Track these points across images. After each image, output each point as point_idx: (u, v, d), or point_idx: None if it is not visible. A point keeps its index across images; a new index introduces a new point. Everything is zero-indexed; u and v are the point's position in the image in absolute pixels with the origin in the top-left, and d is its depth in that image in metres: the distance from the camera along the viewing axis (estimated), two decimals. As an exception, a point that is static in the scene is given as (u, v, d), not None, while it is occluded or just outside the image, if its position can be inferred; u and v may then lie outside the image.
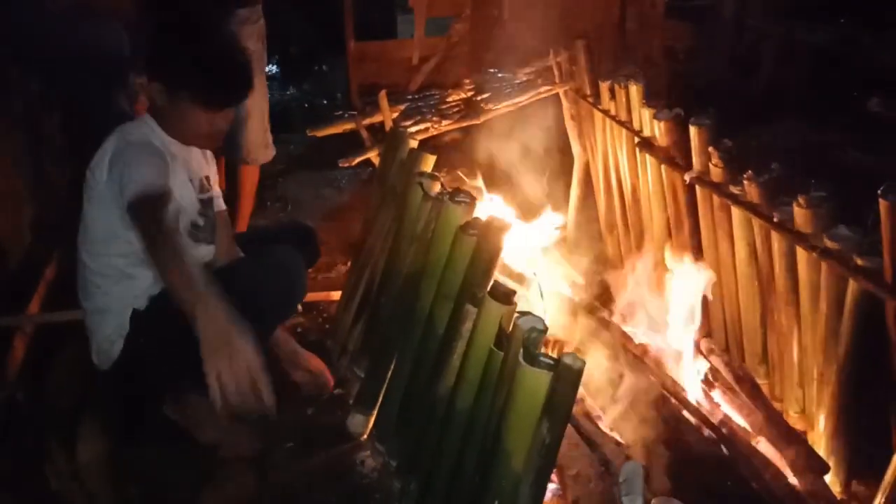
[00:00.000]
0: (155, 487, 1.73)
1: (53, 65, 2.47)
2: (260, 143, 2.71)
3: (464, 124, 2.82)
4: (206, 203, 1.88)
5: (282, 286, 1.80)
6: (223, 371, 1.39)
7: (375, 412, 1.87)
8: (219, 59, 1.71)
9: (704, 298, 2.25)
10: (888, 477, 1.71)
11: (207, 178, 1.91)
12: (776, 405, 2.09)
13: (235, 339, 1.40)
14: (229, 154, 2.74)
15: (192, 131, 1.75)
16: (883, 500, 1.71)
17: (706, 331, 2.35)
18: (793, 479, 1.82)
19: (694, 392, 2.11)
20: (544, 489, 1.27)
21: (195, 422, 1.84)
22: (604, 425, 1.90)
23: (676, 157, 2.29)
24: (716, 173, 2.12)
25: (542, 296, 2.25)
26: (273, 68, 6.01)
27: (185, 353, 1.68)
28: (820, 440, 1.96)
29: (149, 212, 1.57)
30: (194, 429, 1.83)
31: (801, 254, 1.87)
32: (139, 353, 1.70)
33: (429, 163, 2.04)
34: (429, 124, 2.76)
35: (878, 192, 1.63)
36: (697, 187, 2.23)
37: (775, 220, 1.93)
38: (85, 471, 1.73)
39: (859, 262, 1.71)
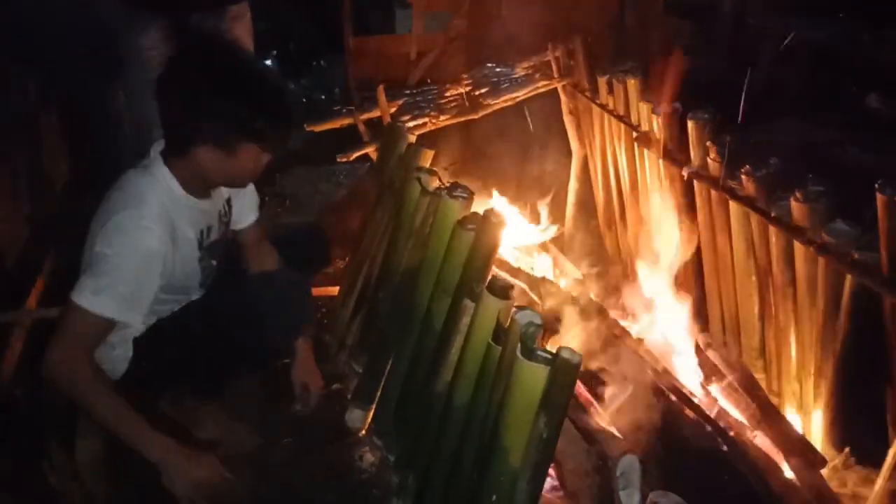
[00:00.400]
0: (154, 486, 1.73)
1: (53, 63, 2.46)
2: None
3: (462, 119, 2.82)
4: (216, 245, 1.80)
5: (286, 316, 1.78)
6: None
7: (373, 407, 1.87)
8: (269, 92, 1.58)
9: (702, 291, 2.26)
10: (884, 470, 1.72)
11: (228, 200, 1.83)
12: (773, 399, 2.10)
13: (194, 468, 1.56)
14: None
15: (240, 175, 1.64)
16: (879, 492, 1.72)
17: (704, 325, 2.35)
18: (789, 473, 1.83)
19: (691, 386, 2.12)
20: (542, 483, 1.27)
21: (195, 420, 1.84)
22: (601, 420, 1.91)
23: (675, 152, 2.29)
24: (714, 168, 2.12)
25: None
26: (271, 63, 6.00)
27: (186, 367, 1.72)
28: (817, 433, 1.96)
29: (72, 325, 1.52)
30: (194, 427, 1.82)
31: (799, 248, 1.88)
32: (143, 372, 1.70)
33: (427, 158, 2.04)
34: (427, 119, 2.76)
35: (876, 186, 1.63)
36: (695, 182, 2.23)
37: (773, 214, 1.93)
38: (84, 469, 1.73)
39: (857, 256, 1.71)
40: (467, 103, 2.82)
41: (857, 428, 1.89)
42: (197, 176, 1.62)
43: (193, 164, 1.58)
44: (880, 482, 1.73)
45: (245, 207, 1.90)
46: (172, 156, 1.61)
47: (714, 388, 2.12)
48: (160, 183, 1.60)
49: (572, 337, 2.12)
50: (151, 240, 1.56)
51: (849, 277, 1.75)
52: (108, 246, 1.53)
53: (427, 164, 2.00)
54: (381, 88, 2.91)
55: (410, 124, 2.66)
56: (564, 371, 1.20)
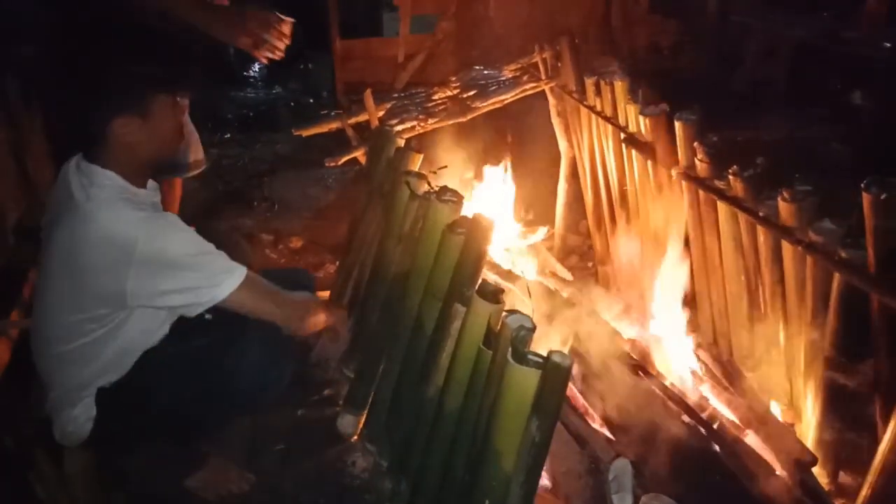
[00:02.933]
0: (142, 493, 1.72)
1: (33, 64, 2.43)
2: (199, 147, 2.55)
3: (450, 122, 2.81)
4: None
5: (267, 361, 1.71)
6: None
7: (365, 412, 1.87)
8: (148, 36, 1.57)
9: (691, 291, 2.26)
10: (874, 467, 1.72)
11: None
12: (764, 398, 2.11)
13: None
14: (172, 172, 2.37)
15: (169, 137, 1.60)
16: (869, 490, 1.73)
17: (694, 325, 2.36)
18: (781, 472, 1.84)
19: (683, 386, 2.12)
20: (535, 487, 1.27)
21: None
22: (593, 422, 1.91)
23: (662, 153, 2.29)
24: (701, 168, 2.13)
25: (529, 294, 2.25)
26: (259, 67, 5.98)
27: (158, 422, 1.65)
28: (807, 432, 1.97)
29: (253, 302, 1.61)
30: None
31: (787, 247, 1.89)
32: (112, 431, 1.64)
33: (416, 161, 2.03)
34: (415, 123, 2.75)
35: (862, 185, 1.64)
36: (683, 182, 2.24)
37: (760, 214, 1.94)
38: (70, 478, 1.71)
39: (844, 255, 1.72)
40: (455, 106, 2.82)
41: (848, 425, 1.90)
42: (131, 159, 1.55)
43: (120, 147, 1.52)
44: (870, 479, 1.74)
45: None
46: (95, 150, 1.53)
47: (705, 388, 2.13)
48: (119, 189, 1.53)
49: (563, 339, 2.12)
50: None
51: (836, 276, 1.76)
52: (146, 276, 1.49)
53: (416, 168, 2.00)
54: (368, 92, 2.90)
55: (399, 128, 2.65)
56: (556, 375, 1.20)
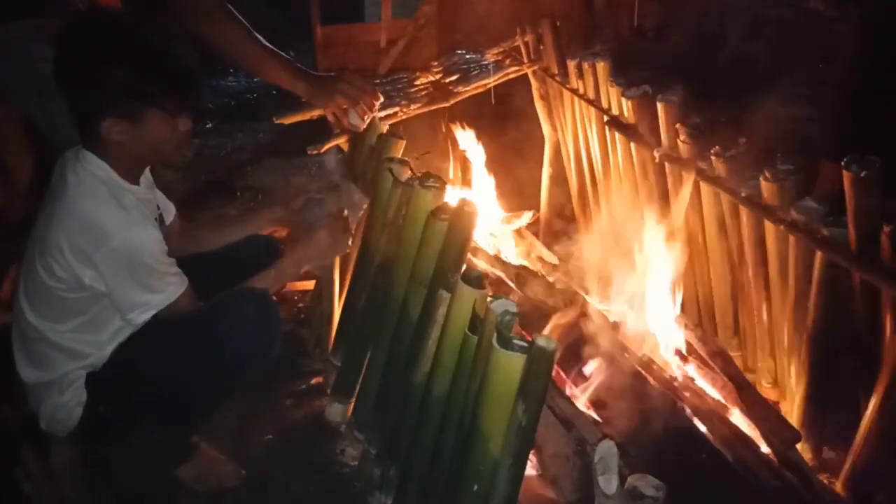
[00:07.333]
0: (131, 486, 1.71)
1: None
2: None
3: (433, 107, 2.79)
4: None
5: (256, 336, 1.68)
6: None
7: (353, 400, 1.87)
8: (154, 53, 1.54)
9: (676, 272, 2.27)
10: (857, 443, 1.75)
11: (158, 205, 1.79)
12: (749, 376, 2.13)
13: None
14: None
15: (165, 147, 1.61)
16: (852, 465, 1.76)
17: (679, 305, 2.37)
18: (766, 449, 1.86)
19: (668, 366, 2.14)
20: (522, 470, 1.27)
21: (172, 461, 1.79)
22: (579, 404, 1.92)
23: (645, 135, 2.30)
24: (684, 150, 2.13)
25: (514, 280, 2.25)
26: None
27: (151, 401, 1.63)
28: (792, 409, 2.00)
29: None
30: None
31: (769, 227, 1.90)
32: (103, 415, 1.63)
33: (398, 148, 2.02)
34: (397, 108, 2.73)
35: (842, 163, 1.65)
36: (666, 164, 2.24)
37: (743, 194, 1.95)
38: (58, 473, 1.70)
39: (826, 233, 1.73)
40: (438, 91, 2.80)
41: (831, 402, 1.92)
42: (122, 156, 1.58)
43: (111, 144, 1.55)
44: (853, 455, 1.77)
45: (168, 203, 1.86)
46: (90, 141, 1.57)
47: (690, 368, 2.14)
48: (104, 178, 1.56)
49: (549, 322, 2.13)
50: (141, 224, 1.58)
51: (818, 254, 1.77)
52: (109, 274, 1.54)
53: (398, 154, 1.99)
54: (350, 78, 2.87)
55: (381, 114, 2.63)
56: (541, 359, 1.20)
